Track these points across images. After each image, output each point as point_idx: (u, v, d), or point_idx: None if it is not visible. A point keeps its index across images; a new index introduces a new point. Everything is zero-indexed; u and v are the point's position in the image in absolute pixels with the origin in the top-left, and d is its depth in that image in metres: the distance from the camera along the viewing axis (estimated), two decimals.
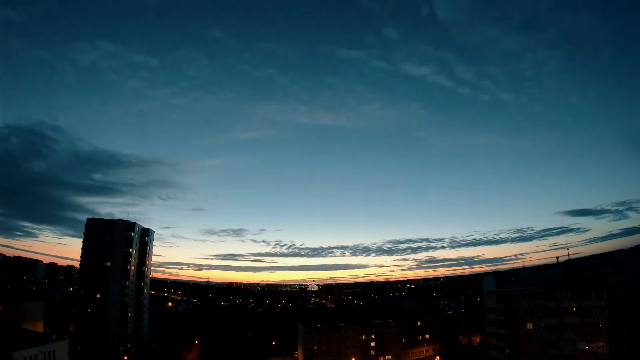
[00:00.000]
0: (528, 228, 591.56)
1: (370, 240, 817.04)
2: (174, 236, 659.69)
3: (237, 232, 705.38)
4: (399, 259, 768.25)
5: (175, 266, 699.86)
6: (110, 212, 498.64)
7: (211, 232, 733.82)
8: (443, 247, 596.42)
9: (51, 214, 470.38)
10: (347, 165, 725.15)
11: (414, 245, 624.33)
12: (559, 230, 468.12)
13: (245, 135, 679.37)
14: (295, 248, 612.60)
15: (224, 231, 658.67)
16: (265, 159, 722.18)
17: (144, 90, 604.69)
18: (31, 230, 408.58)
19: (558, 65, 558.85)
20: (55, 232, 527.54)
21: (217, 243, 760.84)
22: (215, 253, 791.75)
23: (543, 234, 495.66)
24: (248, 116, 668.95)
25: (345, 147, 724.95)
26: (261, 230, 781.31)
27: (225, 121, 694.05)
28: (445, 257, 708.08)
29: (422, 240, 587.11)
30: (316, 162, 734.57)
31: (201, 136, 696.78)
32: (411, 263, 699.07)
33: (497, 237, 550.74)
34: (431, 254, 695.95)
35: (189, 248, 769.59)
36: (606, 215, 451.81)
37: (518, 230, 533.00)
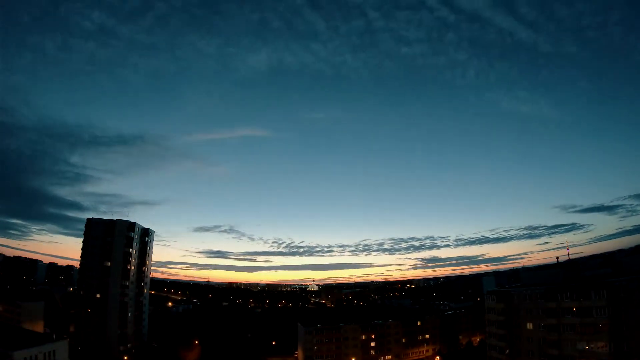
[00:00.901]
0: (539, 226, 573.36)
1: (372, 238, 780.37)
2: (167, 232, 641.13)
3: (232, 229, 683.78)
4: (401, 258, 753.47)
5: (170, 266, 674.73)
6: (94, 204, 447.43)
7: (204, 229, 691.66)
8: (448, 245, 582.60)
9: (36, 210, 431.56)
10: (355, 145, 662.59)
11: (417, 244, 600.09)
12: (570, 226, 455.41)
13: (240, 93, 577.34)
14: (294, 246, 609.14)
15: (217, 227, 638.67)
16: (262, 136, 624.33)
17: (110, 27, 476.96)
18: (20, 229, 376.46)
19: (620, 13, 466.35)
20: (44, 230, 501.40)
21: (212, 241, 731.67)
22: (209, 251, 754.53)
23: (552, 231, 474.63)
24: (243, 60, 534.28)
25: (358, 117, 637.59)
26: (257, 225, 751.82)
27: (213, 71, 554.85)
28: (449, 256, 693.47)
29: (427, 237, 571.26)
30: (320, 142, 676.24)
31: (185, 97, 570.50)
32: (413, 262, 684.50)
33: (506, 234, 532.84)
34: (435, 252, 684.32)
35: (182, 246, 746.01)
36: (620, 210, 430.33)
37: (528, 227, 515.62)
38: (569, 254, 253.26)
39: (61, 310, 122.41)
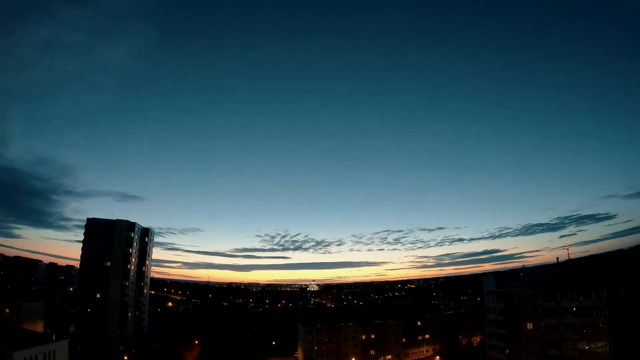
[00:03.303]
0: (572, 214, 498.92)
1: (380, 233, 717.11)
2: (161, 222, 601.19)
3: (227, 226, 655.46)
4: (410, 256, 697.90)
5: (164, 265, 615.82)
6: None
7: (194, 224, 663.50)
8: (462, 240, 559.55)
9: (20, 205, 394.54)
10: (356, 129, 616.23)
11: (426, 238, 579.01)
12: (604, 215, 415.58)
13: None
14: (293, 242, 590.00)
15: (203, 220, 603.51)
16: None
17: None
18: (12, 227, 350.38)
19: None
20: (35, 228, 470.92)
21: (205, 238, 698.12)
22: (203, 249, 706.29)
23: (582, 222, 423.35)
24: None
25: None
26: (254, 222, 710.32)
27: None
28: (457, 253, 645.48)
29: (439, 229, 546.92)
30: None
31: None
32: (420, 260, 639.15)
33: (532, 227, 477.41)
34: (444, 249, 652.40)
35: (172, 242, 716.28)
36: None
37: (559, 217, 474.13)
38: (569, 254, 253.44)
39: (61, 310, 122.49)
